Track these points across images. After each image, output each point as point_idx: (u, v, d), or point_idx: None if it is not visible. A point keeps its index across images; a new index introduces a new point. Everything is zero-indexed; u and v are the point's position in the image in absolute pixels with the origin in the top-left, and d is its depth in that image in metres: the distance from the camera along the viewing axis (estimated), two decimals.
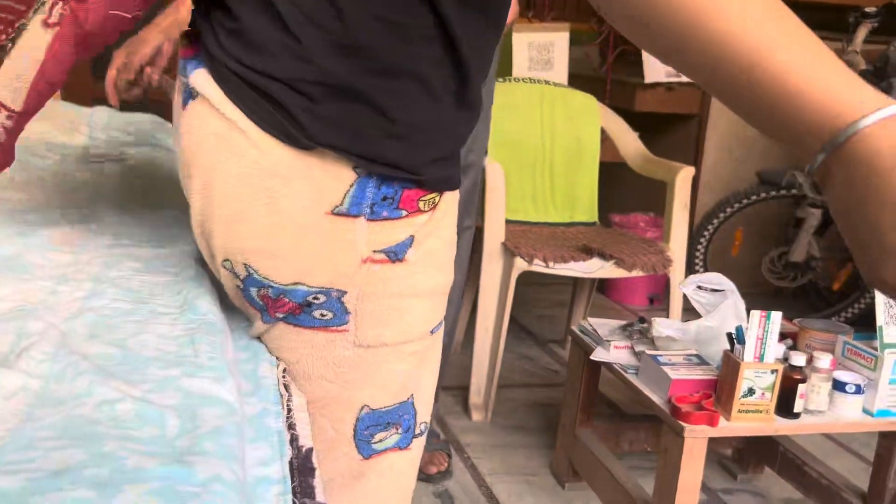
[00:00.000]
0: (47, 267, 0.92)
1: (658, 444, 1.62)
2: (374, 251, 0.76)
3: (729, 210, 3.02)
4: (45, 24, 0.77)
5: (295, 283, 0.76)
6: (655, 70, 3.27)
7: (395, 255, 0.77)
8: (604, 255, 2.26)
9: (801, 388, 1.54)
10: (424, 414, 0.89)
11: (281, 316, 0.80)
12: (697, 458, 1.52)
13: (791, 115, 0.55)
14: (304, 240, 0.75)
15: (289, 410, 0.75)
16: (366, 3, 0.69)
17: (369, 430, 0.85)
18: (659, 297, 3.36)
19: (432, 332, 0.85)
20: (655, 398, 1.60)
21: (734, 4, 0.55)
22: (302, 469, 0.65)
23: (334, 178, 0.73)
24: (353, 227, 0.75)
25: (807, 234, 2.89)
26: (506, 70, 3.08)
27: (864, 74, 2.63)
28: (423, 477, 1.92)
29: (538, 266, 2.22)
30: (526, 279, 2.32)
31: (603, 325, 1.92)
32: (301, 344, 0.80)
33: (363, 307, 0.79)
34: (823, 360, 1.58)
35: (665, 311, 2.45)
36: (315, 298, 0.77)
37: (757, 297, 3.29)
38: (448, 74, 0.74)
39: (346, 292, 0.77)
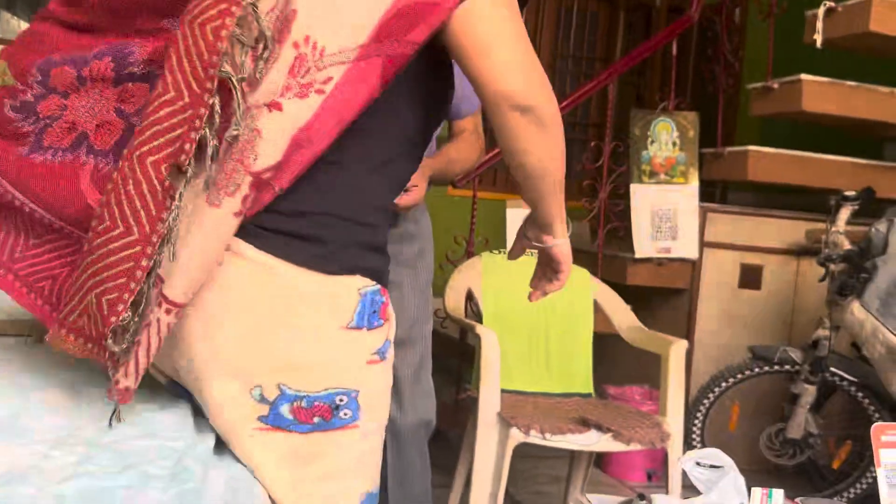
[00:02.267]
0: (41, 430, 0.91)
1: None
2: (372, 353, 0.99)
3: (724, 385, 3.01)
4: (235, 213, 0.92)
5: (325, 389, 0.95)
6: (645, 246, 3.36)
7: (382, 354, 1.01)
8: (601, 428, 2.23)
9: None
10: None
11: (316, 420, 0.97)
12: None
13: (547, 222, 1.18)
14: (328, 351, 0.96)
15: None
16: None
17: None
18: (657, 473, 3.28)
19: None
20: None
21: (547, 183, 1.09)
22: None
23: (346, 298, 0.96)
24: (361, 337, 0.97)
25: (803, 409, 2.86)
26: (499, 242, 3.17)
27: (849, 254, 2.71)
28: None
29: (535, 438, 2.18)
30: (521, 452, 2.28)
31: (602, 503, 1.87)
32: (330, 446, 0.98)
33: (367, 401, 0.99)
34: None
35: (664, 488, 2.38)
36: (340, 400, 0.97)
37: (756, 474, 3.21)
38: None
39: (358, 391, 0.98)
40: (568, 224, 1.23)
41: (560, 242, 1.22)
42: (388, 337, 1.02)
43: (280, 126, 0.91)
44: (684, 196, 3.39)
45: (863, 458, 3.05)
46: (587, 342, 2.72)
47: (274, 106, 0.91)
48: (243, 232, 0.93)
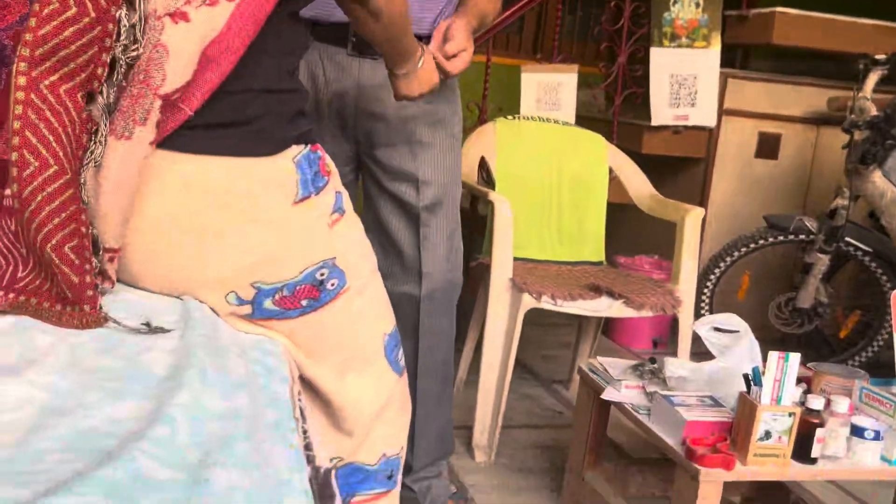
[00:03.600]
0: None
1: (667, 488, 1.57)
2: (331, 215, 0.97)
3: (736, 254, 2.99)
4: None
5: (301, 271, 0.91)
6: (662, 113, 3.27)
7: (340, 210, 0.99)
8: (613, 294, 2.23)
9: (819, 432, 1.50)
10: None
11: (305, 303, 0.94)
12: (712, 503, 1.47)
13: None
14: (289, 235, 0.91)
15: (304, 431, 0.72)
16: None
17: (393, 351, 1.07)
18: (663, 341, 3.32)
19: None
20: (669, 440, 1.55)
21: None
22: (322, 493, 0.62)
23: (284, 173, 0.91)
24: (313, 204, 0.93)
25: (815, 279, 2.86)
26: (513, 108, 3.08)
27: (875, 121, 2.63)
28: None
29: (546, 303, 2.18)
30: (529, 319, 2.29)
31: (613, 365, 1.88)
32: (328, 317, 0.96)
33: (347, 262, 0.97)
34: (841, 405, 1.54)
35: (669, 355, 2.40)
36: (321, 274, 0.94)
37: (763, 342, 3.24)
38: None
39: (335, 257, 0.95)
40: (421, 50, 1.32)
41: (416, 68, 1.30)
42: (337, 189, 1.00)
43: (188, 39, 0.80)
44: (705, 61, 3.26)
45: (870, 328, 3.08)
46: (600, 210, 2.68)
47: (179, 16, 0.81)
48: (165, 140, 0.85)
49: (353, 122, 1.65)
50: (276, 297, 0.90)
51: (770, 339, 3.30)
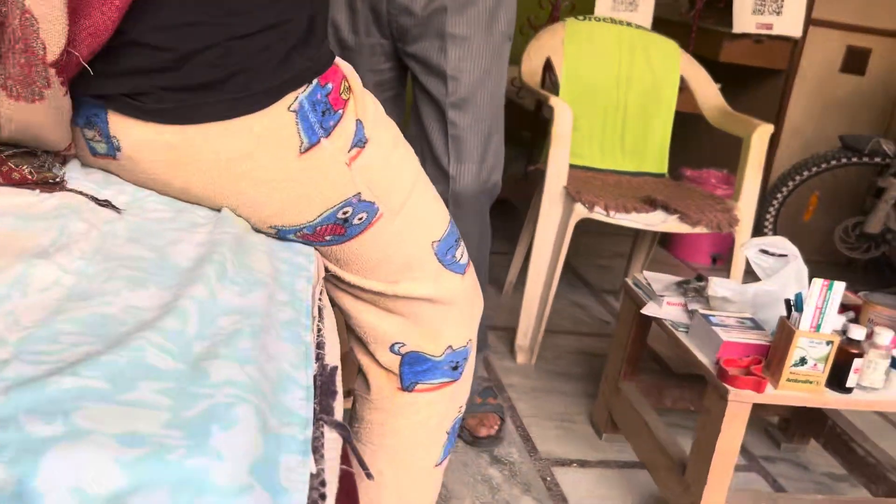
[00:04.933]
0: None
1: (702, 405, 1.59)
2: (348, 152, 0.88)
3: (806, 173, 2.89)
4: None
5: (320, 214, 0.88)
6: (745, 20, 3.11)
7: (361, 142, 0.90)
8: (668, 209, 2.20)
9: (856, 362, 1.49)
10: None
11: (329, 238, 0.91)
12: (739, 423, 1.49)
13: None
14: (300, 188, 0.86)
15: (318, 330, 0.75)
16: None
17: (448, 253, 1.04)
18: (722, 257, 3.28)
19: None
20: (703, 358, 1.56)
21: None
22: (325, 389, 0.65)
23: (282, 125, 0.83)
24: (324, 149, 0.86)
25: (886, 205, 2.76)
26: (587, 8, 2.98)
27: None
28: (470, 439, 1.85)
29: (598, 214, 2.17)
30: (586, 227, 2.28)
31: (658, 280, 1.88)
32: (363, 247, 0.94)
33: (377, 191, 0.92)
34: (884, 336, 1.51)
35: (727, 272, 2.38)
36: (344, 213, 0.89)
37: (827, 266, 3.18)
38: None
39: (359, 192, 0.90)
40: None
41: None
42: (358, 116, 0.90)
43: (48, 2, 0.72)
44: None
45: None
46: (667, 120, 2.61)
47: None
48: (143, 114, 0.79)
49: (385, 17, 1.62)
50: (298, 234, 0.90)
51: (835, 263, 3.23)
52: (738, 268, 2.32)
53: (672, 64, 2.61)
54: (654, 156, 2.61)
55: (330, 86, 0.86)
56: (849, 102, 3.25)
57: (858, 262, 3.05)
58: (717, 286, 1.69)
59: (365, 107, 0.91)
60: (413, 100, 1.72)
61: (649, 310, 1.76)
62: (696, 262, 3.31)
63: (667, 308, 1.75)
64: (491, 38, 1.63)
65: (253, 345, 0.61)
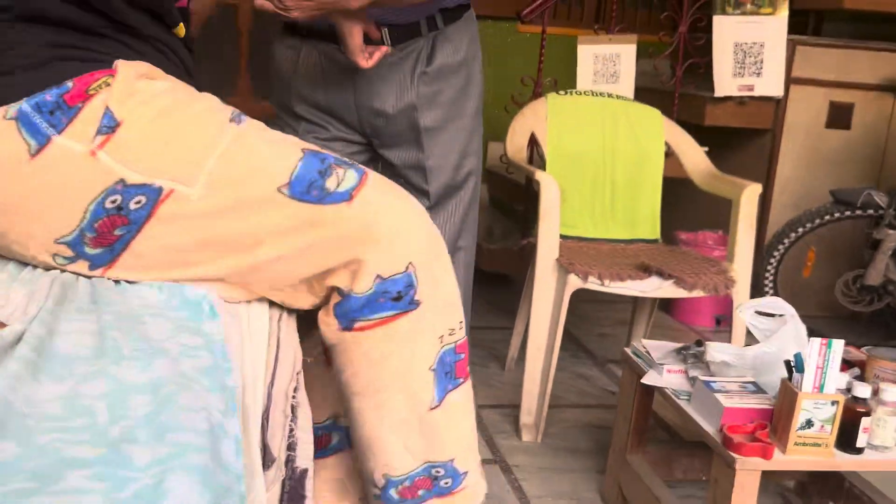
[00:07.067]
0: None
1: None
2: (93, 140, 0.86)
3: (801, 230, 2.89)
4: None
5: (84, 211, 0.84)
6: (726, 84, 3.16)
7: (108, 127, 0.86)
8: (662, 274, 2.19)
9: (864, 421, 1.45)
10: None
11: (121, 232, 0.87)
12: (750, 492, 1.44)
13: None
14: (47, 190, 0.84)
15: (291, 430, 0.73)
16: None
17: (311, 190, 0.95)
18: (726, 318, 3.24)
19: None
20: (707, 426, 1.52)
21: None
22: (293, 494, 0.63)
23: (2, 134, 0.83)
24: (55, 149, 0.84)
25: (884, 256, 2.74)
26: (569, 83, 3.03)
27: None
28: None
29: (593, 284, 2.16)
30: (586, 296, 2.26)
31: (657, 348, 1.85)
32: (166, 230, 0.89)
33: (151, 169, 0.87)
34: (891, 393, 1.47)
35: (731, 333, 2.35)
36: (113, 202, 0.86)
37: (831, 321, 3.14)
38: None
39: (121, 178, 0.86)
40: None
41: None
42: (109, 104, 0.87)
43: None
44: (772, 28, 3.13)
45: None
46: (655, 186, 2.62)
47: None
48: None
49: (357, 117, 1.65)
50: (87, 241, 0.87)
51: (838, 318, 3.19)
52: (739, 330, 2.29)
53: (656, 131, 2.64)
54: (646, 222, 2.61)
55: (68, 86, 0.86)
56: (837, 156, 3.27)
57: (862, 315, 3.02)
58: (716, 351, 1.66)
59: (129, 94, 0.89)
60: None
61: (650, 379, 1.73)
62: (700, 325, 3.28)
63: (667, 376, 1.72)
64: (464, 120, 1.66)
65: (173, 413, 0.59)
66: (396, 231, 0.99)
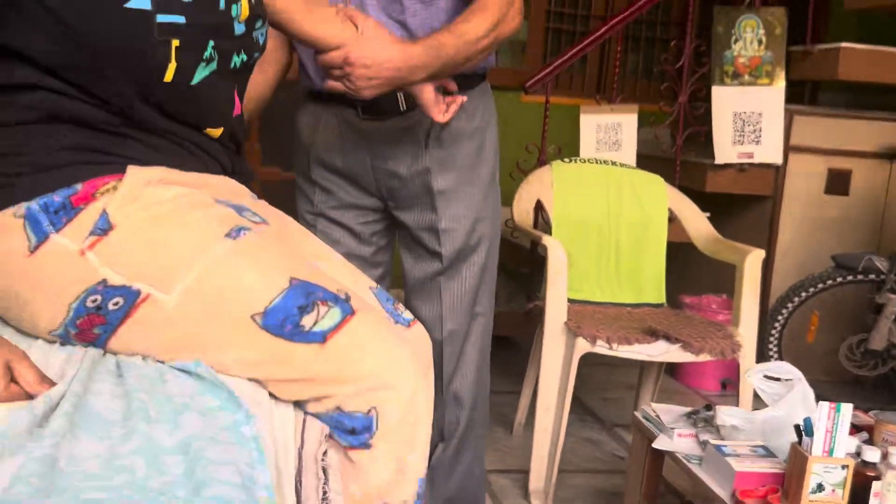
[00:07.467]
0: None
1: None
2: (84, 240, 0.89)
3: (804, 294, 2.92)
4: None
5: (69, 306, 0.88)
6: (726, 151, 3.23)
7: (101, 229, 0.90)
8: (669, 338, 2.21)
9: (875, 485, 1.46)
10: None
11: (99, 331, 0.91)
12: None
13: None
14: (39, 284, 0.88)
15: (324, 493, 0.75)
16: None
17: (287, 324, 0.94)
18: (732, 382, 3.25)
19: None
20: (719, 491, 1.53)
21: None
22: None
23: (6, 229, 0.89)
24: (52, 245, 0.88)
25: (887, 320, 2.76)
26: (572, 151, 3.10)
27: None
28: None
29: (601, 347, 2.18)
30: (593, 360, 2.28)
31: (667, 412, 1.87)
32: (141, 331, 0.91)
33: (134, 274, 0.89)
34: None
35: (737, 397, 2.36)
36: (94, 301, 0.89)
37: (835, 385, 3.15)
38: None
39: (104, 279, 0.89)
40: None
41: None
42: (107, 207, 0.90)
43: None
44: (769, 98, 3.22)
45: None
46: (660, 252, 2.66)
47: None
48: None
49: (373, 179, 1.68)
50: (70, 333, 0.91)
51: (843, 382, 3.20)
52: (746, 394, 2.30)
53: (659, 197, 2.70)
54: (652, 286, 2.65)
55: (76, 188, 0.91)
56: (837, 222, 3.32)
57: (867, 379, 3.03)
58: (726, 415, 1.68)
59: (132, 199, 0.92)
60: (401, 246, 1.76)
61: (661, 443, 1.74)
62: (706, 389, 3.28)
63: (678, 440, 1.73)
64: (479, 182, 1.69)
65: (205, 468, 0.62)
66: (368, 375, 0.93)
